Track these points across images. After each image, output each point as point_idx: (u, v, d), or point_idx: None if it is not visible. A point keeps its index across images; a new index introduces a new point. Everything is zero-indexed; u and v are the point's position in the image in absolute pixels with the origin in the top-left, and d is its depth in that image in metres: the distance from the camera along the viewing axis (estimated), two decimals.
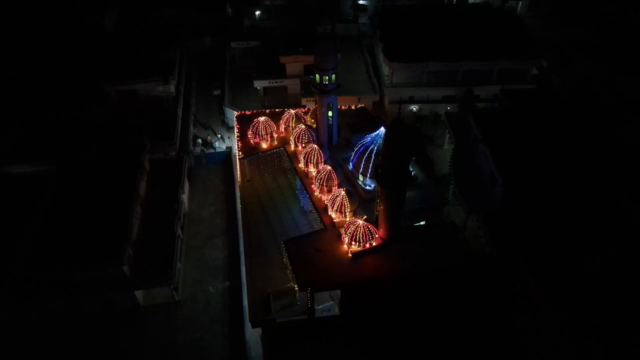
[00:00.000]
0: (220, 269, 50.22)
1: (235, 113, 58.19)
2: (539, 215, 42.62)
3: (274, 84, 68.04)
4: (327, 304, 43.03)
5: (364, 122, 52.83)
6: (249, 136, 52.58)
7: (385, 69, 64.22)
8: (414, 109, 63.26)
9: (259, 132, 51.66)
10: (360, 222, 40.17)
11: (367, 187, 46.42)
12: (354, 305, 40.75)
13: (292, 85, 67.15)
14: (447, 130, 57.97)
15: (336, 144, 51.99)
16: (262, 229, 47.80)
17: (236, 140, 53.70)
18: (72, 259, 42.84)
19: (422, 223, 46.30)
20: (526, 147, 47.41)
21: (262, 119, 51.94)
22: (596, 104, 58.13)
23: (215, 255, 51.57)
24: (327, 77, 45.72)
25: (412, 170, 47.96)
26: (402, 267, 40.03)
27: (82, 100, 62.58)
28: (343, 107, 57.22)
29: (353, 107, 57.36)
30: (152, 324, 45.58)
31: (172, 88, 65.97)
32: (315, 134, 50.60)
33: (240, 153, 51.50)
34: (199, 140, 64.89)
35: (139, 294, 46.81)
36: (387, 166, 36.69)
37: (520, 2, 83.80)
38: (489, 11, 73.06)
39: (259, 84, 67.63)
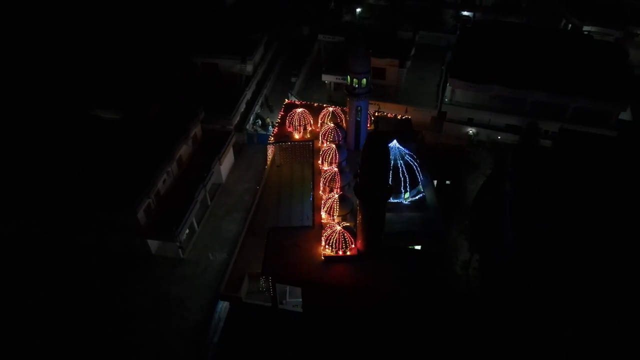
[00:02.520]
0: (229, 241, 53.19)
1: (286, 101, 60.34)
2: (544, 284, 38.16)
3: (341, 81, 68.73)
4: (300, 299, 43.69)
5: (397, 133, 51.40)
6: (286, 124, 54.50)
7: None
8: (471, 131, 59.61)
9: (293, 123, 53.30)
10: (338, 228, 40.01)
11: None
12: (314, 307, 41.03)
13: None
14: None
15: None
16: (270, 213, 49.60)
17: (275, 126, 55.97)
18: (99, 198, 48.95)
19: (417, 247, 44.31)
20: (559, 200, 42.25)
21: (299, 110, 53.48)
22: None
23: (229, 227, 54.75)
24: (356, 81, 45.66)
25: (425, 192, 46.07)
26: (369, 284, 39.10)
27: (172, 66, 70.09)
28: (389, 115, 56.27)
29: (399, 117, 55.99)
30: (153, 273, 50.20)
31: (249, 68, 70.42)
32: (343, 135, 50.76)
33: (272, 138, 53.68)
34: (259, 121, 68.49)
35: (153, 244, 51.93)
36: (364, 179, 36.04)
37: None
38: (590, 42, 65.04)
39: (326, 78, 68.97)
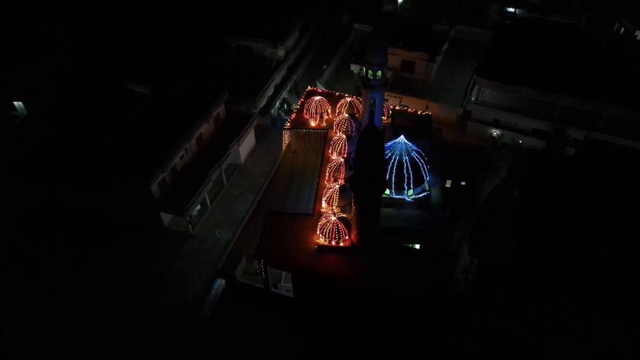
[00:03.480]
0: (238, 221, 54.16)
1: (308, 88, 60.37)
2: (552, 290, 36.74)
3: None
4: None
5: (412, 129, 50.49)
6: (304, 111, 54.65)
7: None
8: (495, 133, 57.52)
9: (310, 110, 53.36)
10: (333, 218, 39.96)
11: None
12: (304, 294, 41.40)
13: (387, 76, 66.09)
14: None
15: None
16: (278, 197, 50.23)
17: (293, 112, 56.28)
18: (120, 168, 51.10)
19: (416, 246, 43.63)
20: (574, 211, 40.26)
21: (317, 98, 53.44)
22: None
23: (241, 208, 55.74)
24: (371, 72, 45.04)
25: (431, 191, 45.15)
26: (358, 277, 38.94)
27: (208, 46, 71.59)
28: (410, 110, 55.21)
29: (419, 112, 54.80)
30: (163, 245, 52.20)
31: (280, 52, 70.86)
32: (356, 126, 50.38)
33: (288, 124, 54.02)
34: (285, 106, 68.98)
35: (166, 217, 53.84)
36: (358, 171, 35.75)
37: None
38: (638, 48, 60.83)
39: (355, 68, 68.23)
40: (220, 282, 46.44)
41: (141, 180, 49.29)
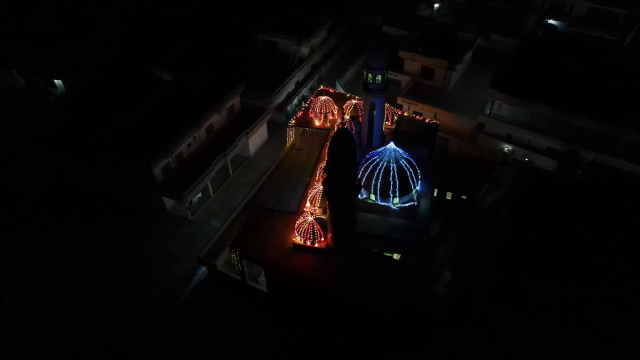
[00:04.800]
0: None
1: (320, 87, 60.37)
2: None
3: (390, 76, 66.96)
4: None
5: (414, 136, 49.55)
6: (309, 110, 54.80)
7: None
8: (506, 148, 55.23)
9: (314, 109, 53.45)
10: (310, 218, 40.00)
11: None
12: (276, 290, 41.75)
13: (406, 82, 65.23)
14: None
15: (376, 145, 50.29)
16: (273, 192, 50.80)
17: (300, 110, 56.55)
18: (128, 149, 53.23)
19: (396, 256, 42.84)
20: (560, 240, 38.25)
21: (323, 97, 53.49)
22: None
23: (241, 200, 56.64)
24: (371, 76, 44.57)
25: (422, 201, 44.09)
26: (328, 280, 38.80)
27: (236, 39, 73.23)
28: (417, 117, 54.09)
29: (427, 120, 53.57)
30: (161, 228, 54.06)
31: (304, 50, 71.30)
32: (357, 129, 49.97)
33: (293, 121, 54.35)
34: (303, 103, 69.23)
35: (168, 201, 55.64)
36: (329, 174, 35.60)
37: None
38: None
39: None
40: (203, 270, 47.55)
41: (143, 163, 51.16)
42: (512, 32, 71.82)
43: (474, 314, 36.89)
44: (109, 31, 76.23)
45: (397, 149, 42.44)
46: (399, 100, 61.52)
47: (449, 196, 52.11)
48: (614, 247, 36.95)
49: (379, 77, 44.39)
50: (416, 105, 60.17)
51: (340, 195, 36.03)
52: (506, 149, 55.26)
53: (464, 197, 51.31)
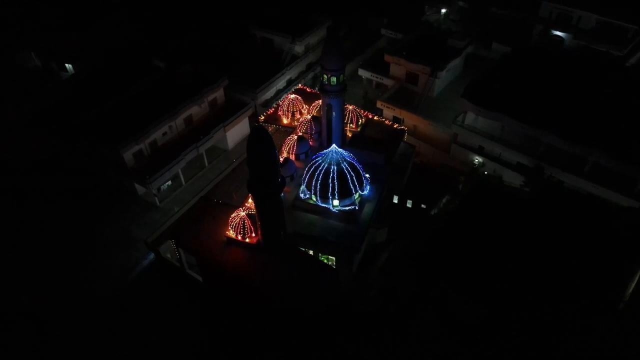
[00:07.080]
0: None
1: (299, 86, 60.62)
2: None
3: (376, 79, 66.69)
4: None
5: (375, 141, 49.14)
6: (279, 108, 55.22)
7: None
8: (477, 160, 53.66)
9: (282, 107, 53.85)
10: (242, 213, 40.53)
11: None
12: (210, 281, 42.60)
13: (391, 85, 64.49)
14: None
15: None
16: (232, 185, 51.76)
17: (272, 107, 57.06)
18: (103, 133, 55.45)
19: (332, 258, 42.69)
20: (485, 251, 37.08)
21: (292, 96, 53.79)
22: None
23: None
24: (326, 77, 44.53)
25: (365, 206, 43.63)
26: (253, 276, 39.26)
27: (233, 34, 74.61)
28: (387, 122, 53.51)
29: (396, 126, 52.84)
30: (129, 212, 55.99)
31: (298, 48, 71.73)
32: (317, 129, 50.08)
33: (262, 118, 54.97)
34: None
35: (140, 187, 57.53)
36: (250, 173, 36.00)
37: None
38: None
39: (362, 73, 67.50)
40: (152, 255, 49.06)
41: (112, 148, 53.21)
42: (516, 42, 69.47)
43: (393, 320, 36.37)
44: (118, 19, 79.25)
45: (341, 151, 42.24)
46: (378, 104, 60.94)
47: (409, 204, 51.34)
48: (542, 266, 35.52)
49: (333, 79, 44.25)
50: (394, 110, 59.41)
51: (262, 193, 36.34)
52: (477, 160, 53.72)
53: (423, 205, 50.39)
